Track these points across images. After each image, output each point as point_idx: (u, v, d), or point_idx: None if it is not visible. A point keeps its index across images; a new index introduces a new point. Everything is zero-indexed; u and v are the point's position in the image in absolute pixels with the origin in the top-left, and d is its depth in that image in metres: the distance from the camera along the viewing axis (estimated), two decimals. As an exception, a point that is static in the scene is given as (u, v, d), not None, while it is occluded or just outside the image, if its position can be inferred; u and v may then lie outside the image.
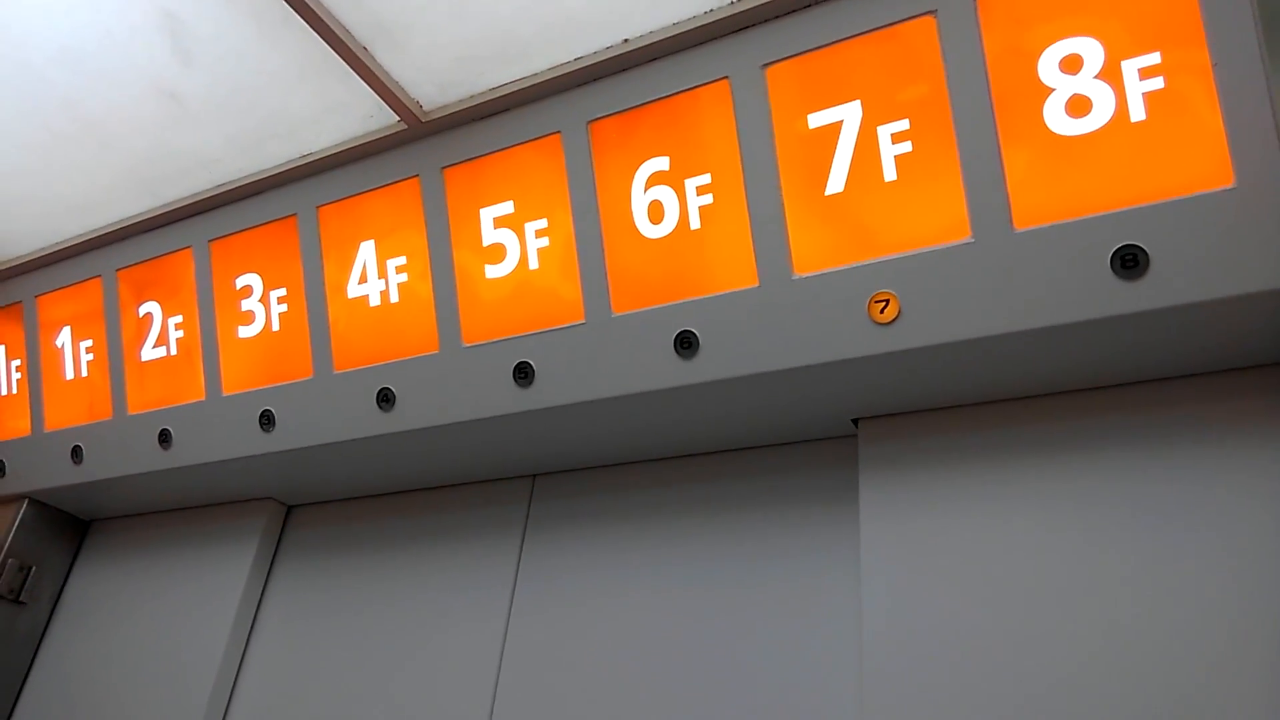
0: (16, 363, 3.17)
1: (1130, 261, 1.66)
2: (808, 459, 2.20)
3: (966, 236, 1.80)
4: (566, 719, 2.22)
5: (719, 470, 2.31)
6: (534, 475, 2.57)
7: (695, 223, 2.07)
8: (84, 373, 3.01)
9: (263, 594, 2.83)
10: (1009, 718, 1.70)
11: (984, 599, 1.82)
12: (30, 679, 3.08)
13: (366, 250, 2.49)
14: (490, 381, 2.26)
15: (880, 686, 1.81)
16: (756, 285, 1.98)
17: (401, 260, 2.44)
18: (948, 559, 1.87)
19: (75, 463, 2.97)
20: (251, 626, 2.79)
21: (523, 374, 2.22)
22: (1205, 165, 1.64)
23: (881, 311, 1.85)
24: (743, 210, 2.02)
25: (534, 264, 2.25)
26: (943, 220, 1.83)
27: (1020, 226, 1.76)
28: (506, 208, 2.30)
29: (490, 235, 2.32)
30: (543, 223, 2.25)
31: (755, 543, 2.18)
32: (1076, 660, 1.70)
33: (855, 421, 2.11)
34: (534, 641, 2.34)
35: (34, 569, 3.13)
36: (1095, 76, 1.73)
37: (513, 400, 2.24)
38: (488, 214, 2.32)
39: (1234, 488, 1.69)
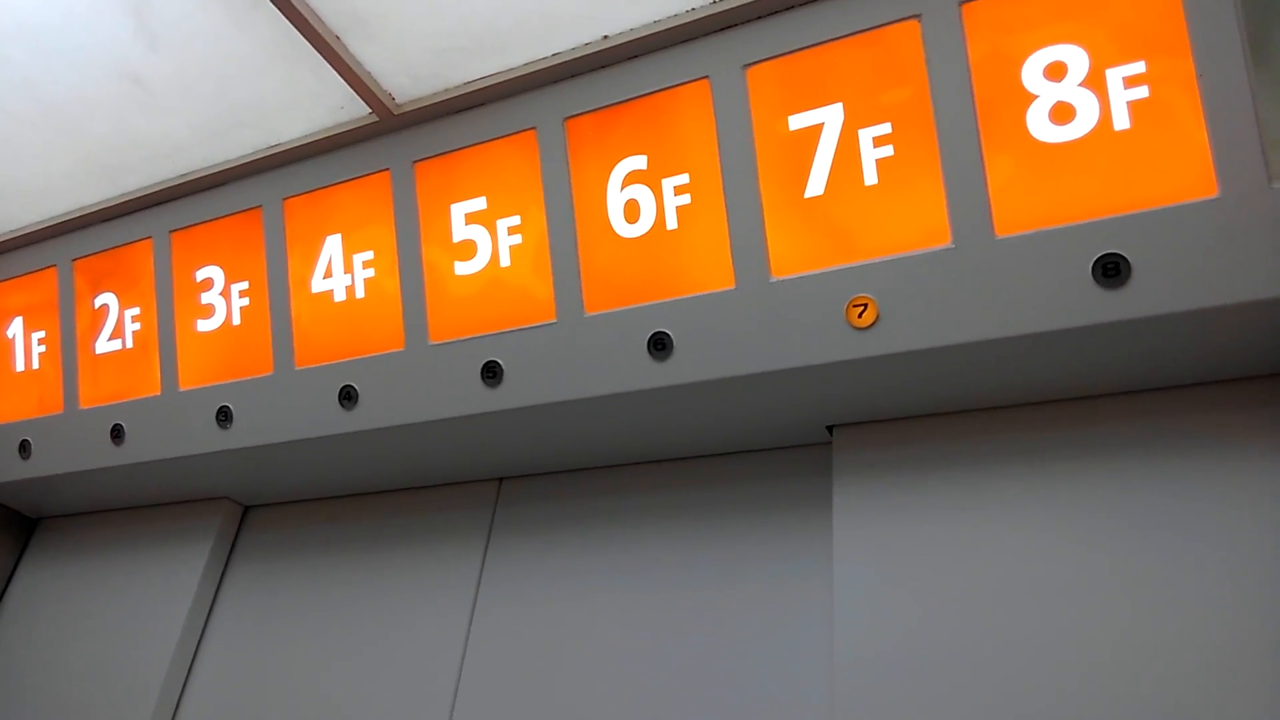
0: (-36, 353, 3.06)
1: (1112, 270, 1.64)
2: (781, 466, 2.16)
3: (947, 242, 1.78)
4: (528, 716, 2.15)
5: (690, 476, 2.26)
6: (500, 479, 2.51)
7: (672, 223, 2.03)
8: (35, 364, 2.91)
9: (215, 597, 2.74)
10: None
11: (956, 610, 1.79)
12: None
13: (333, 244, 2.43)
14: (457, 380, 2.21)
15: (851, 695, 1.77)
16: (733, 287, 1.95)
17: (369, 255, 2.38)
18: (921, 569, 1.84)
19: (23, 457, 2.86)
20: (203, 630, 2.69)
21: (491, 373, 2.16)
22: (1189, 175, 1.63)
23: (860, 316, 1.82)
24: (721, 211, 1.98)
25: (505, 261, 2.20)
26: (923, 225, 1.81)
27: (1002, 233, 1.74)
28: (479, 204, 2.24)
29: (461, 231, 2.26)
30: (515, 220, 2.20)
31: (726, 550, 2.13)
32: (1048, 670, 1.68)
33: (830, 429, 2.07)
34: (497, 649, 2.27)
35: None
36: (1079, 84, 1.72)
37: (480, 400, 2.18)
38: (459, 209, 2.27)
39: (1213, 500, 1.68)
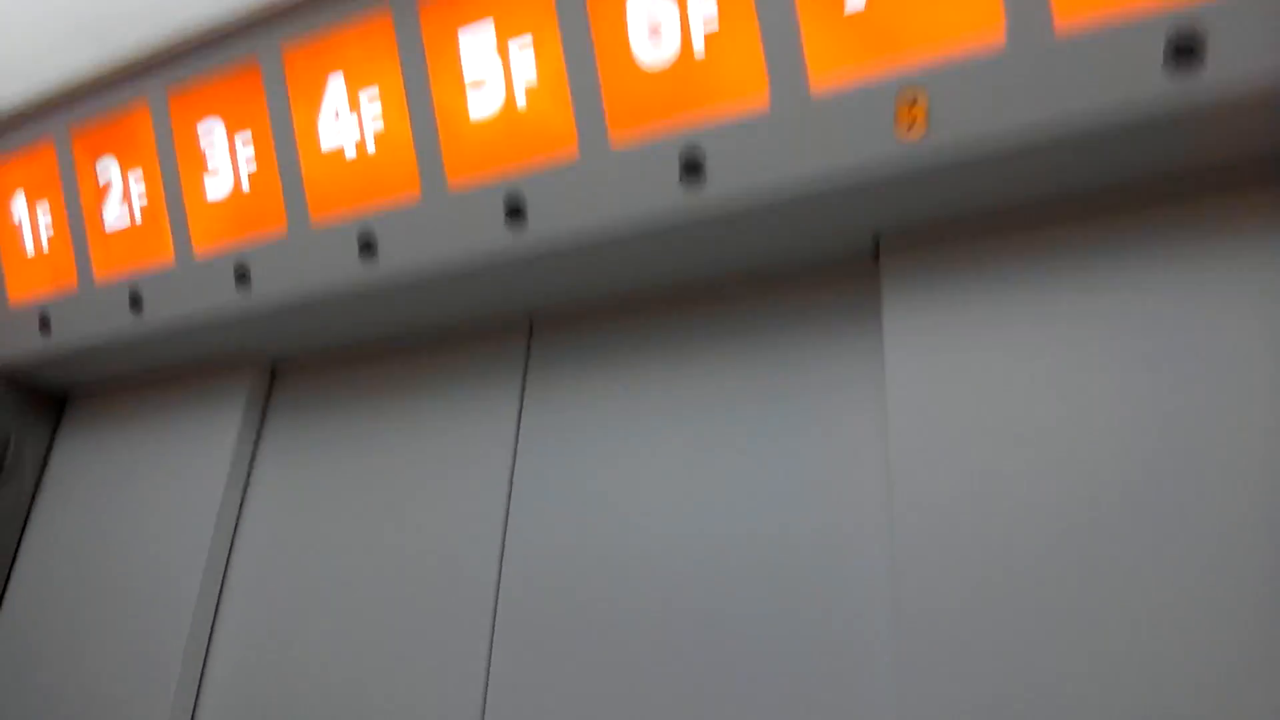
0: (-28, 236, 2.98)
1: (1185, 51, 1.50)
2: (827, 282, 2.06)
3: (1001, 39, 1.64)
4: (579, 559, 2.13)
5: (732, 299, 2.16)
6: (530, 314, 2.43)
7: (699, 43, 1.89)
8: (44, 241, 2.84)
9: (254, 454, 2.72)
10: (1041, 548, 1.63)
11: (1017, 427, 1.71)
12: (20, 557, 2.99)
13: (337, 90, 2.30)
14: (479, 223, 2.11)
15: (910, 515, 1.73)
16: (767, 106, 1.82)
17: (376, 103, 2.24)
18: (978, 384, 1.76)
19: (44, 333, 2.82)
20: (245, 487, 2.69)
21: (515, 212, 2.07)
22: (1271, -63, 1.47)
23: (911, 108, 1.70)
24: (753, 20, 1.83)
25: (521, 94, 2.07)
26: (976, 21, 1.66)
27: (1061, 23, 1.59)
28: (487, 29, 2.10)
29: (472, 64, 2.12)
30: (529, 43, 2.05)
31: (774, 369, 2.05)
32: (1114, 494, 1.60)
33: (877, 242, 1.97)
34: (542, 485, 2.24)
35: (12, 439, 3.00)
36: None
37: (505, 242, 2.09)
38: (467, 39, 2.12)
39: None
